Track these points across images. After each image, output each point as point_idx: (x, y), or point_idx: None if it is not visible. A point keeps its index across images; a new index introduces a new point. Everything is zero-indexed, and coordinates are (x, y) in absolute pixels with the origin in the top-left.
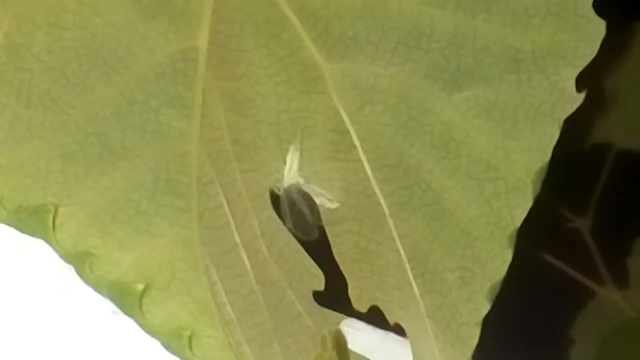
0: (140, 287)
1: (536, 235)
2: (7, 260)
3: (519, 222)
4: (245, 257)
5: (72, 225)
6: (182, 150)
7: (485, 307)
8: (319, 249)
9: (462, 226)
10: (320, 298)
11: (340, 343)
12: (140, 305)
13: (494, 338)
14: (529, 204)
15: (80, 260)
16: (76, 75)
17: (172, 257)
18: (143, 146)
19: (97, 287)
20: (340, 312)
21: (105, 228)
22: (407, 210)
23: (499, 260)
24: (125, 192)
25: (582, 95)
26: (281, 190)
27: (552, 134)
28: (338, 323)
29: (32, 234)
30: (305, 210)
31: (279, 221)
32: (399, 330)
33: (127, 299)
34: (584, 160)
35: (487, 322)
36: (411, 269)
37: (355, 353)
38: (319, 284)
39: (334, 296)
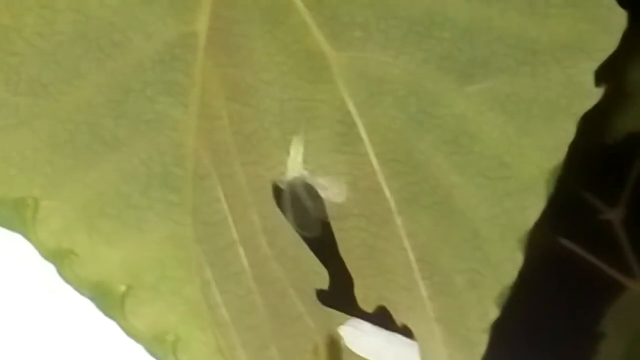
0: (122, 288)
1: (565, 226)
2: None
3: (531, 223)
4: (243, 255)
5: (56, 220)
6: (178, 141)
7: (494, 313)
8: (323, 245)
9: (472, 226)
10: (324, 297)
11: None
12: (122, 307)
13: (523, 331)
14: (541, 204)
15: (60, 259)
16: (68, 60)
17: (163, 255)
18: (137, 137)
19: (78, 287)
20: (345, 312)
21: (92, 223)
22: (415, 207)
23: (509, 264)
24: (116, 184)
25: (601, 90)
26: (284, 184)
27: (568, 131)
28: (342, 324)
29: (11, 228)
30: (309, 204)
31: (282, 216)
32: (406, 332)
33: (108, 300)
34: (615, 150)
35: (516, 314)
36: (419, 269)
37: (359, 356)
38: (323, 282)
39: (339, 296)
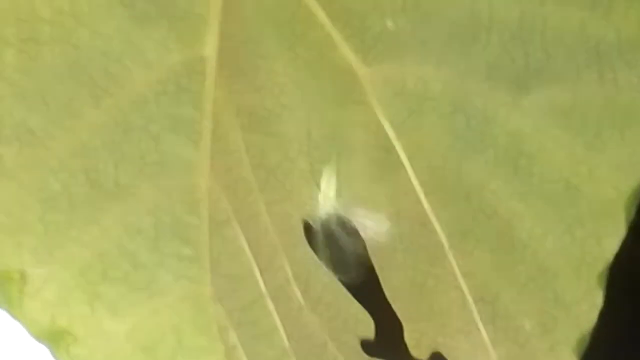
0: None
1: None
2: None
3: (610, 255)
4: (273, 309)
5: (50, 291)
6: (190, 185)
7: None
8: (366, 289)
9: (538, 261)
10: (371, 348)
11: None
12: None
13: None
14: (621, 232)
15: (55, 340)
16: (57, 100)
17: (179, 320)
18: (141, 182)
19: None
20: None
21: (94, 290)
22: (470, 241)
23: (586, 304)
24: (120, 241)
25: None
26: (317, 222)
27: None
28: None
29: None
30: (347, 244)
31: (317, 259)
32: None
33: None
34: None
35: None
36: (478, 311)
37: None
38: (368, 331)
39: (387, 345)
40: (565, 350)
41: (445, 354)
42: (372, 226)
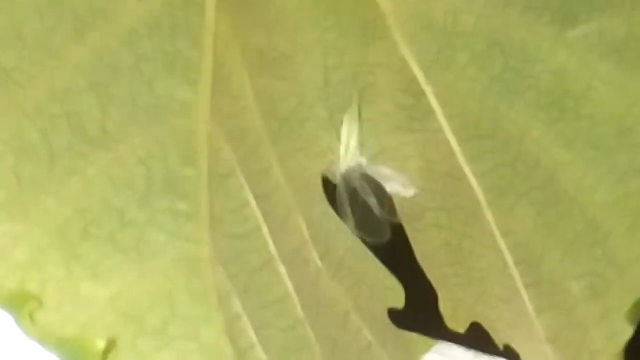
0: (101, 344)
1: None
2: None
3: None
4: (285, 275)
5: (22, 251)
6: (187, 132)
7: (626, 331)
8: (394, 252)
9: (587, 216)
10: (400, 319)
11: None
12: None
13: None
14: None
15: (16, 307)
16: (36, 36)
17: (171, 285)
18: (131, 129)
19: (44, 343)
20: (428, 335)
21: (72, 250)
22: (510, 196)
23: None
24: (105, 195)
25: None
26: (338, 176)
27: None
28: (426, 352)
29: None
30: (372, 201)
31: (338, 219)
32: (510, 356)
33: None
34: None
35: None
36: (521, 275)
37: None
38: (397, 300)
39: (419, 315)
40: (618, 316)
41: (485, 325)
42: (400, 181)
